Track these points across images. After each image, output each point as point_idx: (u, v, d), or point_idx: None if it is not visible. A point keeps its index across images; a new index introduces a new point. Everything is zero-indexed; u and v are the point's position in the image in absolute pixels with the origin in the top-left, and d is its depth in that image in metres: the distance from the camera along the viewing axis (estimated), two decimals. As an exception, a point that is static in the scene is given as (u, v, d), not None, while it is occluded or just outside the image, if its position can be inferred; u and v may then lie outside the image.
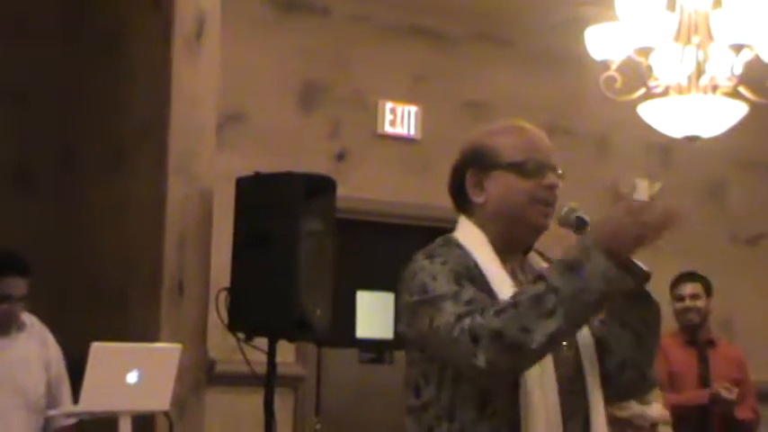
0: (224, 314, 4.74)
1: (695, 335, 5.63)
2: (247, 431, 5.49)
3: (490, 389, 2.24)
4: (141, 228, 5.20)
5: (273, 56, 6.35)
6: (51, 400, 4.46)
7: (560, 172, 2.44)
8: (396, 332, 2.42)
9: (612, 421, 4.67)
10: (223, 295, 4.76)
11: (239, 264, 4.81)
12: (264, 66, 6.31)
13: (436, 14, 6.78)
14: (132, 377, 4.17)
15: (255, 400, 4.77)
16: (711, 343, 5.67)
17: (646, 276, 2.30)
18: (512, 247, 2.41)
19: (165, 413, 4.39)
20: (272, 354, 4.75)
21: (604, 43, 5.15)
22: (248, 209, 4.83)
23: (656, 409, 5.07)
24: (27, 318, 4.47)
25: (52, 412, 4.42)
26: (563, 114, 7.10)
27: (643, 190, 7.45)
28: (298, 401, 6.30)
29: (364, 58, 6.60)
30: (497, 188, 2.39)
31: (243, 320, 4.75)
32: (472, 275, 2.30)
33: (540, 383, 2.27)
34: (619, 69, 5.14)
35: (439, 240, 2.40)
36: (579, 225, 2.36)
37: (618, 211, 2.22)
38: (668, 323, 5.79)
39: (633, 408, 4.97)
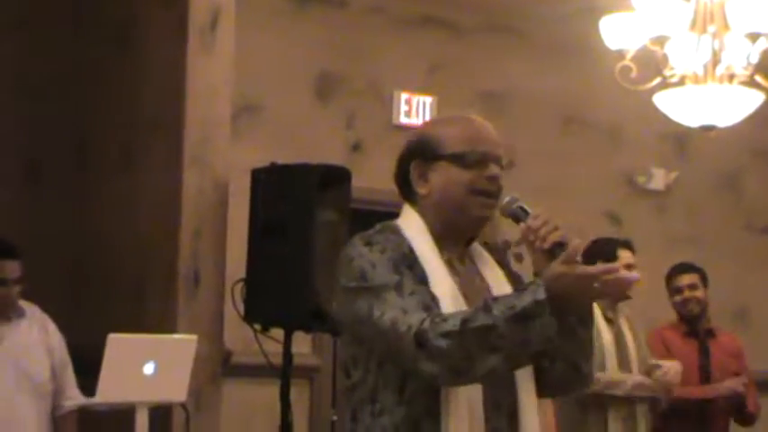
0: (240, 305, 4.75)
1: (695, 326, 5.59)
2: (263, 422, 5.50)
3: (410, 374, 2.27)
4: (157, 220, 5.21)
5: (289, 47, 6.35)
6: (57, 385, 4.49)
7: (504, 163, 2.44)
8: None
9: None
10: (239, 286, 4.77)
11: (255, 255, 4.81)
12: (280, 57, 6.31)
13: (451, 5, 6.77)
14: (149, 368, 4.18)
15: (271, 390, 4.78)
16: (711, 333, 5.62)
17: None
18: (452, 238, 2.43)
19: (182, 404, 4.40)
20: (287, 344, 4.75)
21: (619, 33, 5.14)
22: (264, 200, 4.83)
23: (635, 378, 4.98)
24: (27, 306, 4.48)
25: (69, 403, 4.45)
26: (578, 104, 7.09)
27: (659, 180, 7.43)
28: (314, 392, 6.31)
29: (379, 49, 6.60)
30: (440, 179, 2.41)
31: (259, 311, 4.75)
32: (409, 262, 2.33)
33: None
34: (634, 59, 5.13)
35: (378, 226, 2.43)
36: (520, 215, 2.38)
37: (573, 271, 2.20)
38: (667, 315, 5.80)
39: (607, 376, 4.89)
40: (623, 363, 4.90)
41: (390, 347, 2.26)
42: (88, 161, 5.75)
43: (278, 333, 4.76)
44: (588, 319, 2.41)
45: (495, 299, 2.24)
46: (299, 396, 5.90)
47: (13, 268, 4.31)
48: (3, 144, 5.72)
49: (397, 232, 2.41)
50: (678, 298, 5.60)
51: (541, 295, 2.17)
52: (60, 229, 5.60)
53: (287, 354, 4.75)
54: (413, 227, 2.41)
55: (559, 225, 2.33)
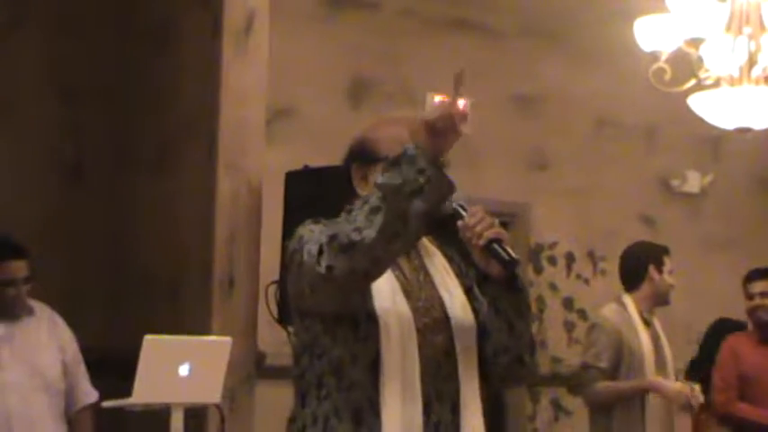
0: (273, 307, 4.77)
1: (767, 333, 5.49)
2: (297, 424, 5.50)
3: (347, 361, 2.33)
4: (192, 222, 5.24)
5: (322, 51, 6.37)
6: (69, 382, 4.51)
7: (443, 161, 2.45)
8: None
9: None
10: (272, 289, 4.79)
11: (289, 258, 4.82)
12: (313, 61, 6.33)
13: (484, 9, 6.77)
14: (184, 370, 4.20)
15: (305, 392, 4.78)
16: None
17: (514, 262, 2.36)
18: None
19: (216, 405, 4.42)
20: (321, 347, 4.76)
21: (654, 35, 5.11)
22: (297, 203, 4.85)
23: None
24: (36, 304, 4.50)
25: (106, 404, 4.48)
26: (612, 107, 7.07)
27: (693, 182, 7.39)
28: (347, 394, 6.31)
29: (412, 53, 6.61)
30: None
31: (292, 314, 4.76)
32: None
33: (401, 365, 2.33)
34: (668, 61, 5.10)
35: (324, 221, 2.47)
36: (457, 213, 2.41)
37: (418, 116, 2.34)
38: (706, 319, 5.76)
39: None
40: (660, 364, 4.88)
41: (303, 277, 2.32)
42: (127, 163, 5.79)
43: (311, 335, 4.77)
44: (525, 314, 2.46)
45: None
46: (333, 398, 5.90)
47: (21, 268, 4.34)
48: (43, 146, 5.77)
49: None
50: (750, 304, 5.50)
51: (407, 148, 2.28)
52: (99, 230, 5.65)
53: (320, 356, 4.75)
54: None
55: (493, 221, 2.37)
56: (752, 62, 5.07)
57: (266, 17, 5.25)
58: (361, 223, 2.24)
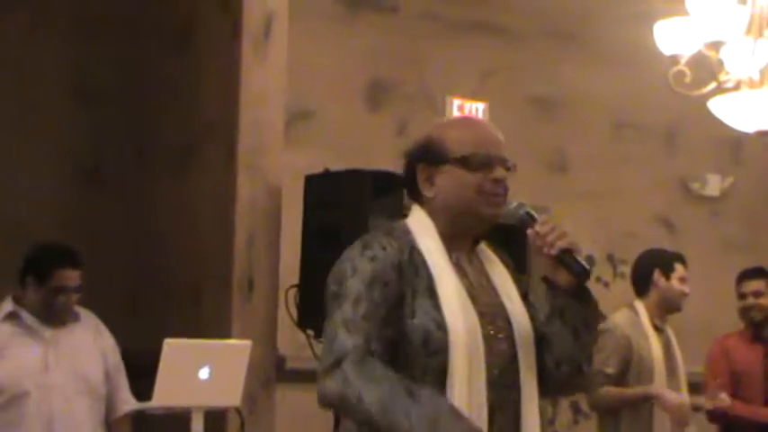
0: (293, 311, 4.78)
1: (760, 332, 5.51)
2: (317, 427, 5.50)
3: (417, 376, 2.31)
4: (211, 225, 5.25)
5: (341, 53, 6.37)
6: (110, 389, 4.54)
7: (510, 164, 2.47)
8: None
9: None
10: (292, 292, 4.79)
11: (308, 261, 4.83)
12: (332, 63, 6.33)
13: (503, 11, 6.76)
14: (204, 373, 4.21)
15: (325, 396, 4.78)
16: None
17: (586, 273, 2.37)
18: (460, 238, 2.46)
19: (237, 409, 4.43)
20: (340, 350, 4.76)
21: (674, 38, 5.10)
22: (317, 206, 4.86)
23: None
24: (81, 310, 4.54)
25: (127, 407, 4.50)
26: (631, 109, 7.05)
27: (714, 186, 7.37)
28: (366, 397, 6.31)
29: (431, 55, 6.60)
30: (446, 183, 2.44)
31: (312, 317, 4.77)
32: (400, 273, 2.35)
33: (468, 374, 2.31)
34: (688, 64, 5.09)
35: (385, 227, 2.48)
36: (527, 221, 2.41)
37: None
38: (723, 321, 5.73)
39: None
40: (671, 371, 4.87)
41: (321, 354, 2.35)
42: (146, 165, 5.81)
43: (331, 339, 4.77)
44: (592, 324, 2.46)
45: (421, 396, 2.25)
46: (352, 401, 5.90)
47: (74, 277, 4.39)
48: (63, 147, 5.79)
49: (406, 233, 2.44)
50: (742, 304, 5.51)
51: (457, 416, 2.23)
52: (118, 233, 5.66)
53: (340, 359, 4.75)
54: (421, 227, 2.45)
55: (567, 231, 2.36)
56: (772, 65, 5.05)
57: (285, 20, 5.26)
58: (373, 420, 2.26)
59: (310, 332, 4.77)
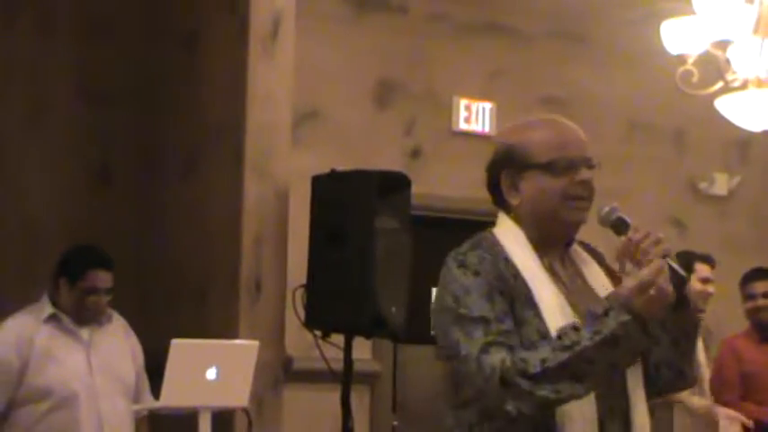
0: (301, 311, 4.78)
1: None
2: (324, 427, 5.52)
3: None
4: (219, 226, 5.26)
5: (348, 54, 6.37)
6: (138, 389, 4.57)
7: (595, 163, 2.42)
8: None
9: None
10: (300, 292, 4.80)
11: (315, 261, 4.84)
12: (339, 64, 6.33)
13: (511, 11, 6.76)
14: (211, 373, 4.22)
15: (332, 396, 4.80)
16: None
17: (685, 281, 2.31)
18: (550, 243, 2.41)
19: (244, 409, 4.44)
20: (348, 350, 4.77)
21: (681, 37, 5.10)
22: (324, 206, 4.86)
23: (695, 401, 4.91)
24: (111, 311, 4.57)
25: (136, 407, 4.51)
26: (639, 110, 7.04)
27: (721, 185, 7.36)
28: (374, 398, 6.32)
29: (439, 56, 6.60)
30: (531, 189, 2.39)
31: (319, 317, 4.77)
32: (505, 282, 2.30)
33: None
34: (696, 64, 5.09)
35: (474, 238, 2.41)
36: (620, 226, 2.36)
37: (641, 278, 2.22)
38: (733, 321, 5.71)
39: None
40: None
41: (477, 388, 2.25)
42: (155, 166, 5.82)
43: (338, 339, 4.78)
44: (692, 332, 2.40)
45: (574, 328, 2.22)
46: (360, 402, 5.91)
47: (106, 279, 4.42)
48: (72, 148, 5.81)
49: (495, 244, 2.38)
50: (750, 305, 5.46)
51: (625, 316, 2.18)
52: (126, 233, 5.67)
53: (347, 359, 4.76)
54: (510, 236, 2.39)
55: (661, 237, 2.29)
56: (779, 64, 5.04)
57: (292, 21, 5.27)
58: (559, 386, 2.19)
59: (318, 332, 4.77)
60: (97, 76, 5.89)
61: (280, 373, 5.09)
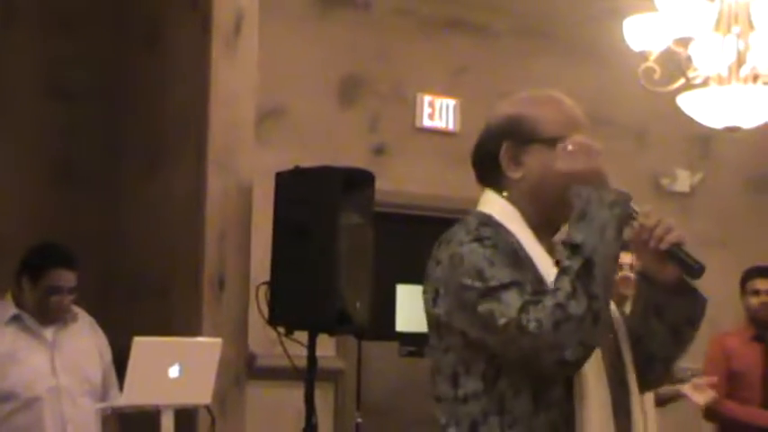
0: (264, 308, 4.76)
1: (763, 332, 5.43)
2: (288, 425, 5.52)
3: (545, 380, 2.09)
4: (182, 223, 5.24)
5: (312, 50, 6.36)
6: (105, 387, 4.54)
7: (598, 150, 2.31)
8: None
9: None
10: (263, 289, 4.78)
11: (279, 258, 4.83)
12: (303, 60, 6.32)
13: (475, 8, 6.77)
14: (174, 371, 4.20)
15: (296, 393, 4.79)
16: None
17: (702, 268, 2.18)
18: (546, 227, 2.25)
19: (207, 407, 4.42)
20: (312, 347, 4.76)
21: (643, 34, 5.12)
22: (287, 203, 4.85)
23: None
24: (77, 309, 4.55)
25: (99, 406, 4.48)
26: (602, 106, 7.06)
27: (683, 181, 7.40)
28: (338, 395, 6.32)
29: (403, 52, 6.61)
30: (537, 164, 2.22)
31: (283, 314, 4.76)
32: (520, 260, 2.14)
33: (596, 373, 2.13)
34: (658, 60, 5.11)
35: (474, 220, 2.20)
36: (630, 212, 2.22)
37: (560, 160, 2.21)
38: (730, 318, 5.73)
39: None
40: None
41: (526, 353, 2.05)
42: (118, 163, 5.79)
43: (302, 336, 4.77)
44: (698, 321, 2.27)
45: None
46: (324, 399, 5.91)
47: (69, 278, 4.38)
48: (34, 145, 5.76)
49: (497, 225, 2.19)
50: (755, 301, 5.45)
51: (577, 194, 2.13)
52: (89, 230, 5.64)
53: (311, 357, 4.76)
54: (510, 217, 2.21)
55: (672, 224, 2.19)
56: (740, 61, 5.07)
57: (255, 17, 5.25)
58: (592, 290, 2.03)
59: (281, 329, 4.76)
60: (60, 73, 5.85)
61: (243, 370, 5.07)
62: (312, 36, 6.37)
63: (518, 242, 2.17)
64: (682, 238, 2.18)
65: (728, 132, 5.24)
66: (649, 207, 2.23)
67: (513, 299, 2.05)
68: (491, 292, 2.07)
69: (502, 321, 2.05)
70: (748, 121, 5.16)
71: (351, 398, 6.29)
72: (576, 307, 2.02)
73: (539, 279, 2.13)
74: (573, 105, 2.32)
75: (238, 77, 5.19)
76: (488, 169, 2.27)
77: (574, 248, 2.08)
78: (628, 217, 2.19)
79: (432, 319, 2.20)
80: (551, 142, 2.23)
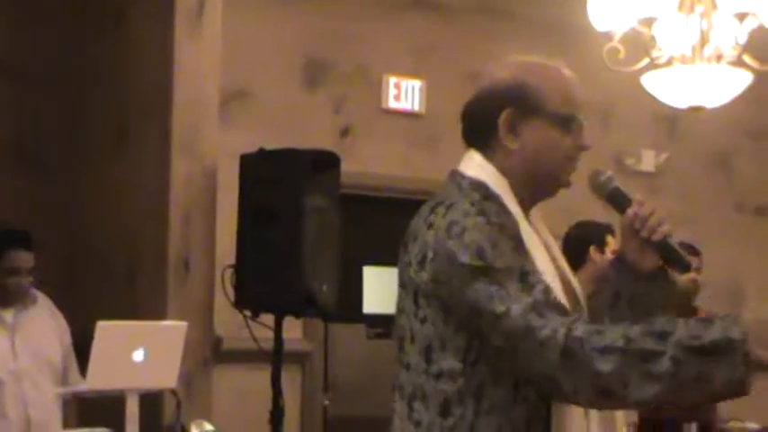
0: (230, 291, 4.74)
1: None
2: (255, 407, 5.49)
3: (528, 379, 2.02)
4: (146, 205, 5.21)
5: (277, 32, 6.33)
6: (65, 370, 4.52)
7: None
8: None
9: None
10: (229, 272, 4.76)
11: (244, 241, 4.80)
12: (268, 42, 6.29)
13: (439, -13, 6.76)
14: (139, 355, 4.17)
15: (263, 376, 4.78)
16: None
17: (686, 266, 2.17)
18: (530, 201, 2.19)
19: (172, 390, 4.40)
20: (278, 330, 4.75)
21: (607, 14, 5.12)
22: (253, 185, 4.82)
23: None
24: (37, 293, 4.52)
25: (61, 390, 4.46)
26: (567, 86, 7.08)
27: (648, 161, 7.43)
28: (305, 377, 6.31)
29: (368, 34, 6.58)
30: (537, 138, 2.14)
31: (249, 297, 4.74)
32: (521, 245, 2.04)
33: None
34: (622, 40, 5.11)
35: (470, 187, 2.11)
36: (618, 197, 2.18)
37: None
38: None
39: None
40: None
41: (521, 351, 1.96)
42: (80, 145, 5.75)
43: (268, 319, 4.76)
44: (667, 309, 2.21)
45: (673, 322, 1.91)
46: (291, 381, 5.90)
47: (26, 258, 4.37)
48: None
49: (496, 198, 2.10)
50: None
51: (737, 334, 1.86)
52: (54, 212, 5.61)
53: (278, 339, 4.74)
54: (503, 189, 2.13)
55: (663, 216, 2.14)
56: (704, 41, 5.08)
57: (219, -2, 5.21)
58: (630, 378, 1.87)
59: (247, 312, 4.74)
60: (22, 53, 5.79)
61: (209, 353, 5.06)
62: (277, 18, 6.33)
63: (516, 223, 2.08)
64: (670, 231, 2.14)
65: (692, 112, 5.26)
66: (640, 196, 2.19)
67: (516, 288, 1.97)
68: (491, 273, 1.98)
69: (500, 308, 1.96)
70: (712, 101, 5.18)
71: (318, 380, 6.28)
72: (595, 360, 1.89)
73: (531, 264, 2.04)
74: (576, 81, 2.22)
75: (202, 58, 5.15)
76: (480, 130, 2.17)
77: (663, 340, 1.88)
78: (617, 199, 2.15)
79: (410, 284, 2.09)
80: (557, 119, 2.14)
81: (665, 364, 1.86)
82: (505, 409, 2.04)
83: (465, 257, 2.00)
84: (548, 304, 1.96)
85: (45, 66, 5.79)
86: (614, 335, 1.90)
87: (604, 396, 1.91)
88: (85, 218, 5.64)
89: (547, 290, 1.99)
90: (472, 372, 2.04)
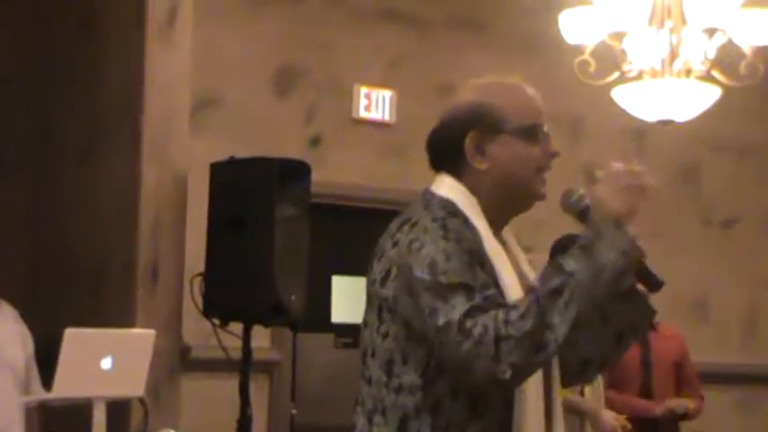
0: (198, 299, 4.74)
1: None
2: (223, 416, 5.47)
3: (483, 387, 2.03)
4: (115, 212, 5.19)
5: (248, 41, 6.32)
6: (27, 378, 4.48)
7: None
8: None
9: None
10: (197, 281, 4.76)
11: (214, 249, 4.80)
12: (239, 51, 6.28)
13: (409, -1, 6.78)
14: (106, 363, 4.15)
15: (231, 385, 4.77)
16: (652, 326, 5.25)
17: (659, 285, 2.18)
18: (502, 219, 2.21)
19: (140, 399, 4.38)
20: (247, 339, 4.75)
21: (578, 27, 5.16)
22: (223, 194, 4.82)
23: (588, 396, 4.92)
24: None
25: (26, 399, 4.42)
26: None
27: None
28: (273, 386, 6.29)
29: (339, 43, 6.59)
30: (504, 155, 2.17)
31: (218, 306, 4.74)
32: (480, 259, 2.07)
33: (536, 384, 2.09)
34: (593, 54, 5.15)
35: (439, 206, 2.14)
36: (586, 214, 2.18)
37: (602, 183, 2.14)
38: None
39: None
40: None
41: (461, 357, 1.98)
42: (51, 150, 5.72)
43: (237, 327, 4.75)
44: (642, 330, 2.27)
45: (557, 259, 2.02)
46: (259, 390, 5.88)
47: None
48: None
49: (462, 216, 2.12)
50: None
51: (595, 217, 2.07)
52: (22, 218, 5.57)
53: (246, 348, 4.74)
54: (473, 208, 2.15)
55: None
56: (674, 55, 5.13)
57: (190, 6, 5.21)
58: (551, 318, 1.96)
59: (216, 321, 4.73)
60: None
61: (177, 362, 5.04)
62: (248, 26, 6.33)
63: (480, 239, 2.10)
64: (645, 253, 2.17)
65: (662, 125, 5.30)
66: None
67: (458, 301, 2.00)
68: (438, 288, 2.01)
69: (442, 321, 1.99)
70: (681, 115, 5.22)
71: (285, 389, 6.27)
72: (520, 328, 1.96)
73: (494, 280, 2.07)
74: (535, 93, 2.26)
75: (173, 66, 5.15)
76: (447, 156, 2.20)
77: (558, 271, 2.01)
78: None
79: (375, 299, 2.14)
80: (521, 133, 2.18)
81: (568, 286, 1.98)
82: (462, 426, 2.05)
83: (419, 272, 2.04)
84: (483, 307, 1.99)
85: (17, 70, 5.76)
86: (525, 301, 2.00)
87: (542, 350, 1.97)
88: (55, 224, 5.61)
89: (492, 297, 2.02)
90: (431, 387, 2.06)
